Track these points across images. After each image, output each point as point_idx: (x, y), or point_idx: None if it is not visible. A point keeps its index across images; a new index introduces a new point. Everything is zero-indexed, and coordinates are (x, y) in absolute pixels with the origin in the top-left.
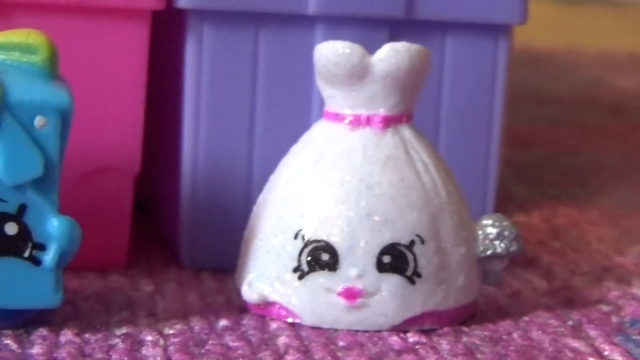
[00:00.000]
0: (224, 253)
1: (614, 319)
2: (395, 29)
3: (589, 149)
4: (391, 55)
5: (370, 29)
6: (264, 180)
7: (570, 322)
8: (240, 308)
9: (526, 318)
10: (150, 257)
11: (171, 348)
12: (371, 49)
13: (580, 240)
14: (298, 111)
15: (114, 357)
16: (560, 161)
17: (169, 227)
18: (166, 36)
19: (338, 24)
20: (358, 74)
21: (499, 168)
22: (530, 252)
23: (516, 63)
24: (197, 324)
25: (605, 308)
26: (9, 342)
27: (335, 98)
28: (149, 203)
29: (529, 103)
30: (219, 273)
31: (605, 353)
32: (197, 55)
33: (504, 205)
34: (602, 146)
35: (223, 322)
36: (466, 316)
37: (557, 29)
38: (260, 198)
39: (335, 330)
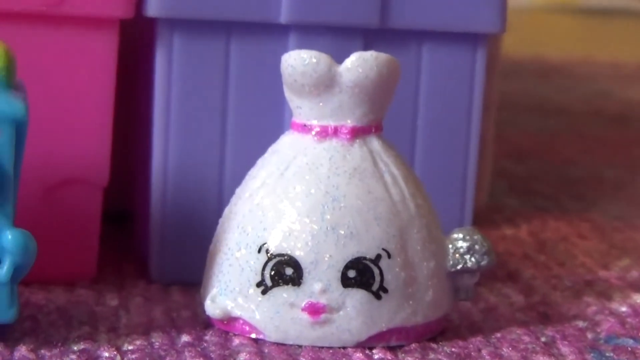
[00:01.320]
0: (195, 267)
1: (589, 335)
2: (370, 38)
3: (588, 161)
4: (358, 64)
5: (344, 38)
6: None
7: (543, 339)
8: (205, 323)
9: (498, 334)
10: (120, 271)
11: None
12: (345, 58)
13: (567, 254)
14: (270, 122)
15: None
16: (557, 173)
17: (140, 240)
18: (136, 45)
19: (311, 33)
20: (325, 84)
21: (491, 179)
22: (513, 265)
23: (527, 73)
24: (157, 340)
25: (581, 324)
26: None
27: (302, 108)
28: (125, 215)
29: (533, 114)
30: (189, 287)
31: None
32: (167, 65)
33: (493, 218)
34: (602, 158)
35: (185, 338)
36: (436, 332)
37: (573, 39)
38: (226, 211)
39: (300, 346)
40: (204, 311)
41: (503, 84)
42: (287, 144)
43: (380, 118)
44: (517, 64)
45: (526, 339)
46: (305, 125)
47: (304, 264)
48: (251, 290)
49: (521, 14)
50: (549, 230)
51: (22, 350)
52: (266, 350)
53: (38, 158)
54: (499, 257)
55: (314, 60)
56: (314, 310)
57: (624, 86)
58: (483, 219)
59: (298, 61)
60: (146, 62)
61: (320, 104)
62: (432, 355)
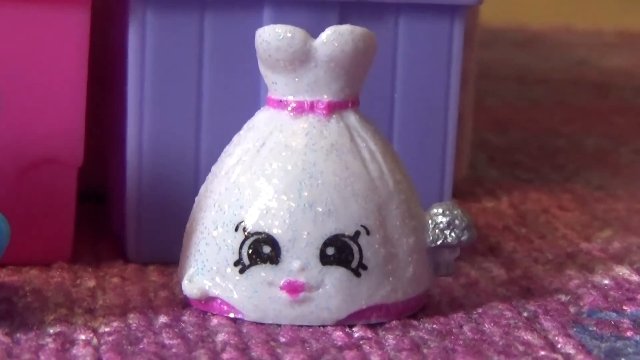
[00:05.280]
0: (172, 246)
1: (572, 309)
2: (346, 11)
3: (569, 131)
4: (334, 38)
5: (320, 12)
6: None
7: (525, 314)
8: (183, 303)
9: (480, 310)
10: (96, 251)
11: (103, 347)
12: (320, 33)
13: (548, 227)
14: (246, 98)
15: (42, 357)
16: (538, 143)
17: (116, 220)
18: (109, 22)
19: (286, 7)
20: (300, 59)
21: (470, 151)
22: (494, 239)
23: (507, 43)
24: (134, 321)
25: (563, 298)
26: None
27: (277, 84)
28: (100, 195)
29: (513, 84)
30: (166, 267)
31: (559, 346)
32: (140, 41)
33: (473, 190)
34: (582, 127)
35: (162, 319)
36: (417, 308)
37: (552, 7)
38: (202, 189)
39: (279, 325)
40: (181, 291)
41: (482, 54)
42: (263, 120)
43: (356, 92)
44: (496, 33)
45: (508, 314)
46: (281, 101)
47: (281, 242)
48: (229, 270)
49: None
50: (529, 202)
51: None
52: (245, 330)
53: (11, 138)
54: (480, 230)
55: (289, 34)
56: (293, 288)
57: (603, 54)
58: (463, 192)
59: (272, 36)
60: (119, 39)
61: (296, 79)
62: (413, 332)
